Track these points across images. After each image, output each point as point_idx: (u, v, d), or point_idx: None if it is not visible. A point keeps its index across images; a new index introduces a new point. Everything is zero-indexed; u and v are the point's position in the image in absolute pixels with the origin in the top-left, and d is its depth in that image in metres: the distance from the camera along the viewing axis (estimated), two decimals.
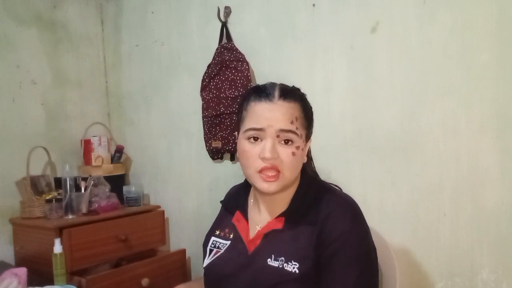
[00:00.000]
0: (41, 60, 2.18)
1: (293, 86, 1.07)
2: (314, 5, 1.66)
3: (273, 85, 1.04)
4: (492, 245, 1.32)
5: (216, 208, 1.99)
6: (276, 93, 1.00)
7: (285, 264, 0.95)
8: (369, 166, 1.55)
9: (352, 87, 1.58)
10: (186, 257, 2.10)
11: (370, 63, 1.54)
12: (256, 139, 0.98)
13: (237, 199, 1.15)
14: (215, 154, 1.94)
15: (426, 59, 1.42)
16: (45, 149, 2.09)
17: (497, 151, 1.30)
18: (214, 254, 1.09)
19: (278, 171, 0.97)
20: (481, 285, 1.34)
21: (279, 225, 1.01)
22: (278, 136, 0.97)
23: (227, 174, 1.97)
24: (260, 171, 0.97)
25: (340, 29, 1.60)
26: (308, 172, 1.10)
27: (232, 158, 1.92)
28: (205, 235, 1.19)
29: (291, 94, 1.01)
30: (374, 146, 1.54)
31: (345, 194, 1.08)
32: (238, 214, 1.12)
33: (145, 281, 1.85)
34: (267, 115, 0.97)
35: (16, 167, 2.01)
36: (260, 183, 0.98)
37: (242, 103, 1.05)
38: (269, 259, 0.98)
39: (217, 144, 1.90)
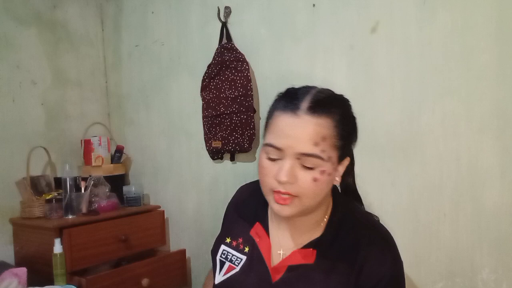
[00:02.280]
0: (41, 60, 2.18)
1: (333, 93, 0.90)
2: (314, 5, 1.66)
3: (306, 91, 0.88)
4: (492, 245, 1.32)
5: (216, 208, 2.01)
6: (304, 104, 0.84)
7: None
8: (369, 166, 1.55)
9: (352, 87, 1.58)
10: (186, 257, 2.10)
11: (370, 63, 1.54)
12: (274, 158, 0.85)
13: (256, 208, 1.00)
14: (215, 154, 1.94)
15: (426, 59, 1.42)
16: (45, 149, 2.09)
17: (497, 151, 1.30)
18: (228, 271, 0.96)
19: (294, 196, 0.84)
20: (481, 285, 1.34)
21: (309, 259, 0.89)
22: (298, 159, 0.83)
23: (227, 174, 1.98)
24: (275, 192, 0.86)
25: (340, 29, 1.60)
26: (341, 195, 0.98)
27: (232, 158, 1.92)
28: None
29: (323, 106, 0.84)
30: (374, 146, 1.54)
31: (383, 228, 0.96)
32: (258, 227, 0.98)
33: (145, 281, 1.85)
34: (289, 131, 0.83)
35: (16, 167, 2.01)
36: (272, 203, 0.87)
37: (271, 108, 0.91)
38: None
39: (217, 144, 1.90)
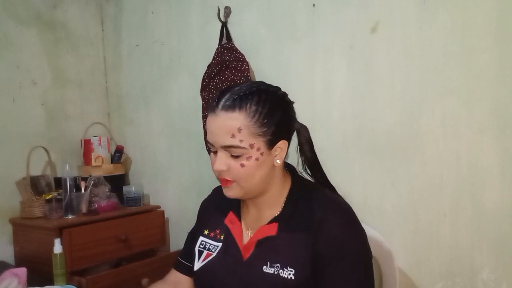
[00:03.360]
0: (41, 60, 2.18)
1: (252, 87, 0.96)
2: (314, 5, 1.66)
3: (225, 91, 0.97)
4: (492, 245, 1.32)
5: None
6: (221, 103, 0.94)
7: (280, 271, 0.94)
8: (369, 166, 1.55)
9: (352, 87, 1.58)
10: None
11: (370, 63, 1.54)
12: (214, 152, 0.97)
13: (229, 200, 1.07)
14: None
15: (426, 59, 1.42)
16: (45, 149, 2.09)
17: (497, 151, 1.30)
18: (205, 257, 1.06)
19: (232, 181, 0.96)
20: (481, 285, 1.34)
21: (273, 232, 0.99)
22: (226, 150, 0.94)
23: None
24: (220, 178, 0.99)
25: (340, 29, 1.60)
26: (299, 176, 1.07)
27: None
28: None
29: (235, 101, 0.92)
30: (374, 146, 1.54)
31: (338, 197, 1.05)
32: (231, 215, 1.08)
33: (145, 281, 1.85)
34: (211, 128, 0.95)
35: (16, 167, 2.01)
36: (222, 188, 1.01)
37: None
38: (264, 266, 0.96)
39: None
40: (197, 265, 1.07)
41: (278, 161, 0.98)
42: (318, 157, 1.08)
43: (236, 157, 0.94)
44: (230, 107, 0.92)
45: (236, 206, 1.09)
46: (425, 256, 1.44)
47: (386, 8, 1.49)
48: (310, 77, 1.68)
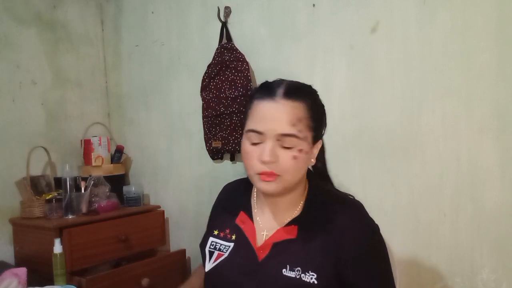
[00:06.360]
0: (41, 60, 2.18)
1: (303, 83, 1.01)
2: (314, 5, 1.66)
3: (280, 82, 0.98)
4: (492, 245, 1.32)
5: None
6: (280, 91, 0.94)
7: (302, 275, 0.92)
8: (369, 166, 1.55)
9: (352, 87, 1.58)
10: (186, 257, 2.10)
11: (370, 63, 1.54)
12: (257, 143, 0.95)
13: (240, 198, 1.09)
14: (215, 154, 1.94)
15: (426, 59, 1.42)
16: (45, 149, 2.09)
17: (497, 151, 1.30)
18: (217, 258, 1.03)
19: (277, 174, 0.93)
20: (481, 285, 1.34)
21: (292, 235, 0.97)
22: (278, 140, 0.92)
23: (227, 174, 1.97)
24: (260, 174, 0.94)
25: (340, 29, 1.60)
26: (315, 178, 1.06)
27: (232, 158, 1.92)
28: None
29: (296, 91, 0.95)
30: (374, 146, 1.54)
31: (355, 201, 1.04)
32: (242, 215, 1.06)
33: (145, 281, 1.85)
34: (268, 115, 0.93)
35: (16, 167, 2.01)
36: (259, 183, 0.95)
37: (248, 100, 1.01)
38: (284, 270, 0.94)
39: (217, 144, 1.90)
40: (208, 266, 1.04)
41: (312, 160, 1.00)
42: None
43: (287, 148, 0.92)
44: (293, 96, 0.93)
45: (246, 205, 1.07)
46: (425, 256, 1.44)
47: (386, 8, 1.49)
48: (310, 77, 1.68)
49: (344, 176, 1.58)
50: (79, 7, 2.35)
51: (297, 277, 0.93)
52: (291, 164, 0.92)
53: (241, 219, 1.06)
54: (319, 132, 1.00)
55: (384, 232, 1.33)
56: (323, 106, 1.02)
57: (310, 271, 0.92)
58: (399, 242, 1.46)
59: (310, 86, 1.02)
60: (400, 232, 1.48)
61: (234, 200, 1.10)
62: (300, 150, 0.93)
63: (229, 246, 1.03)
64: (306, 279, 0.92)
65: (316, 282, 0.91)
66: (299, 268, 0.93)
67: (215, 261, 1.04)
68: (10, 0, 2.07)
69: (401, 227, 1.48)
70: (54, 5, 2.24)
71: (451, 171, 1.38)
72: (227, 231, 1.06)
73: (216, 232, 1.08)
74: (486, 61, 1.31)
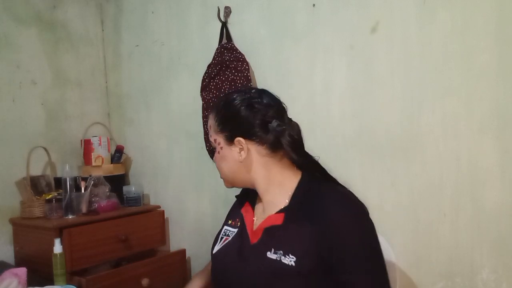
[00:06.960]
0: (41, 60, 2.18)
1: (228, 93, 1.17)
2: (314, 5, 1.66)
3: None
4: (492, 245, 1.32)
5: (216, 208, 2.01)
6: None
7: (282, 257, 0.98)
8: (369, 166, 1.55)
9: (352, 87, 1.58)
10: (186, 257, 2.10)
11: (370, 63, 1.54)
12: None
13: (248, 191, 1.19)
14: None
15: (426, 59, 1.42)
16: (45, 149, 2.09)
17: (497, 151, 1.30)
18: (223, 241, 1.15)
19: None
20: (481, 285, 1.34)
21: (278, 221, 1.04)
22: None
23: None
24: None
25: (340, 29, 1.60)
26: (307, 168, 1.11)
27: None
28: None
29: (212, 106, 1.15)
30: (374, 146, 1.54)
31: (346, 190, 1.09)
32: (247, 205, 1.18)
33: (145, 281, 1.85)
34: None
35: (16, 167, 2.01)
36: None
37: None
38: (268, 252, 1.01)
39: None
40: (216, 247, 1.16)
41: (242, 154, 1.09)
42: (318, 158, 1.11)
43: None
44: (211, 110, 1.16)
45: (252, 196, 1.18)
46: (425, 256, 1.44)
47: (386, 8, 1.49)
48: (310, 77, 1.68)
49: (344, 176, 1.57)
50: (79, 7, 2.35)
51: (278, 259, 0.99)
52: (217, 164, 1.15)
53: (245, 208, 1.18)
54: (232, 131, 1.09)
55: (384, 232, 1.33)
56: (229, 107, 1.10)
57: (290, 254, 0.98)
58: (399, 242, 1.46)
59: (229, 95, 1.14)
60: (400, 232, 1.48)
61: (245, 192, 1.22)
62: (218, 152, 1.12)
63: (234, 232, 1.15)
64: (285, 261, 0.98)
65: (294, 264, 0.97)
66: (281, 251, 1.00)
67: (222, 243, 1.15)
68: (10, 0, 2.07)
69: (401, 227, 1.48)
70: (54, 5, 2.24)
71: (451, 171, 1.38)
72: (237, 219, 1.18)
73: (230, 222, 1.20)
74: (486, 61, 1.31)
